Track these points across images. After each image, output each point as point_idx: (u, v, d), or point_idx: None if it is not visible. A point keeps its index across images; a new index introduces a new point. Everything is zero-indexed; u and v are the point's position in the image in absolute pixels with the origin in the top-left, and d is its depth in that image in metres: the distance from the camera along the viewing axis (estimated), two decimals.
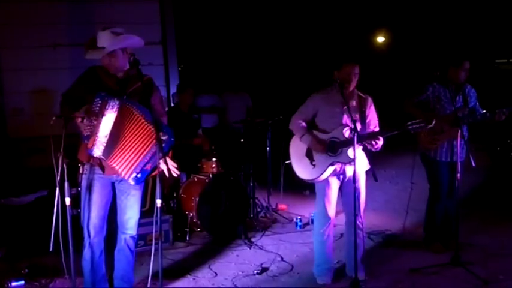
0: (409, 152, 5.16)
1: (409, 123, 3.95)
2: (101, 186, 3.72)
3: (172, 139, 3.53)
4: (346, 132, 4.10)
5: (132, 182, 3.56)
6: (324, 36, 14.62)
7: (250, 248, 5.23)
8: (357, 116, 4.14)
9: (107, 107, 3.52)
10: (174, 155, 3.79)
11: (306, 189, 6.83)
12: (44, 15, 6.74)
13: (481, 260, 4.71)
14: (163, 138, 3.49)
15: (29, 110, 6.72)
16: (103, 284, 3.91)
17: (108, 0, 6.98)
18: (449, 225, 4.94)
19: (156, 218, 3.39)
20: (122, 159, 3.53)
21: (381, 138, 4.06)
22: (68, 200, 3.50)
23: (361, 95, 4.24)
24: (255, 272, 4.58)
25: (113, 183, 3.79)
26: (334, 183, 4.23)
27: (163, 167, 3.46)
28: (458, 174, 4.52)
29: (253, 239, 5.45)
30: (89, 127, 3.54)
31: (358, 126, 4.09)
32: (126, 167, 3.53)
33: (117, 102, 3.54)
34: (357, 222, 4.10)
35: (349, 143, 4.06)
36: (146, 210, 4.79)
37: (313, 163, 4.20)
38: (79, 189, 3.80)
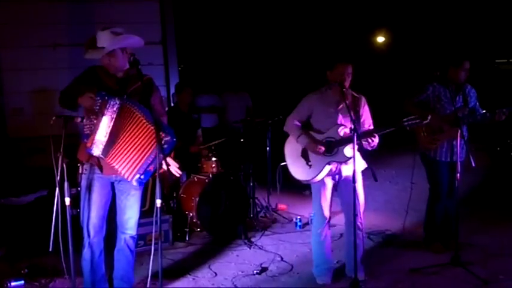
0: (409, 152, 5.16)
1: (404, 119, 3.96)
2: (101, 186, 3.72)
3: (174, 139, 3.54)
4: (342, 132, 4.10)
5: (135, 184, 3.56)
6: (324, 36, 14.61)
7: (250, 248, 5.23)
8: (352, 115, 4.13)
9: (107, 106, 3.52)
10: (175, 155, 3.79)
11: (306, 189, 6.82)
12: (44, 15, 6.74)
13: (481, 260, 4.71)
14: (166, 139, 3.50)
15: (29, 110, 6.72)
16: (103, 284, 3.91)
17: (108, 0, 6.98)
18: (449, 225, 4.94)
19: (156, 218, 3.40)
20: (123, 160, 3.53)
21: (377, 136, 4.06)
22: (67, 200, 3.51)
23: (355, 94, 4.23)
24: (255, 272, 4.58)
25: (112, 183, 3.79)
26: (330, 183, 4.23)
27: (165, 167, 3.46)
28: (458, 174, 4.52)
29: (253, 239, 5.45)
30: (88, 126, 3.54)
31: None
32: (129, 168, 3.52)
33: (117, 102, 3.54)
34: (357, 222, 4.09)
35: (345, 142, 4.06)
36: (146, 210, 4.79)
37: (309, 163, 4.19)
38: (79, 189, 3.80)
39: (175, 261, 4.92)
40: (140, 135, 3.52)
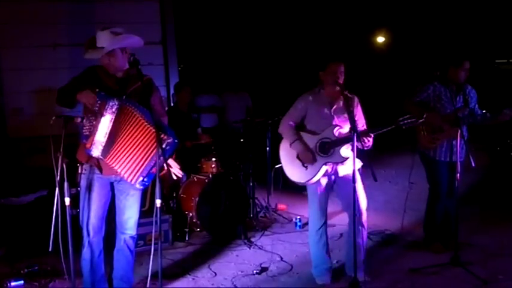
0: (408, 152, 5.16)
1: (400, 118, 3.95)
2: (100, 186, 3.72)
3: (176, 141, 3.54)
4: (337, 132, 4.10)
5: (139, 186, 3.56)
6: (324, 36, 14.60)
7: (249, 248, 5.23)
8: (345, 116, 4.12)
9: (106, 107, 3.52)
10: (176, 156, 3.79)
11: (305, 190, 6.81)
12: (44, 15, 6.74)
13: (480, 260, 4.71)
14: (168, 140, 3.50)
15: (29, 110, 6.72)
16: (102, 284, 3.91)
17: (108, 0, 6.98)
18: (448, 225, 4.94)
19: (156, 218, 3.40)
20: (124, 162, 3.52)
21: (372, 136, 4.05)
22: (67, 200, 3.51)
23: (348, 94, 4.21)
24: (255, 272, 4.58)
25: (111, 183, 3.79)
26: (325, 183, 4.23)
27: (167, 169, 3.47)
28: (458, 174, 4.52)
29: (252, 239, 5.45)
30: (88, 127, 3.54)
31: (348, 126, 4.10)
32: (132, 171, 3.52)
33: (116, 103, 3.53)
34: (361, 221, 4.08)
35: (340, 142, 4.06)
36: (146, 210, 4.80)
37: (305, 165, 4.18)
38: (78, 189, 3.80)
39: (175, 261, 4.92)
40: (141, 136, 3.51)
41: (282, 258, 4.92)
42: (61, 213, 3.49)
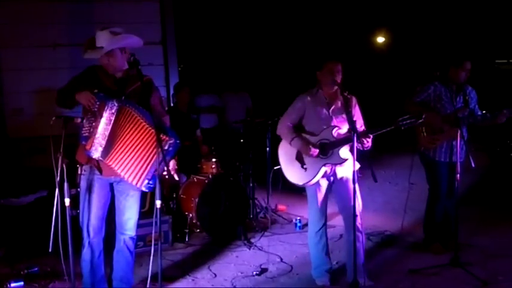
0: (408, 152, 5.16)
1: (399, 119, 3.94)
2: (100, 187, 3.72)
3: (178, 141, 3.53)
4: (336, 133, 4.09)
5: (145, 190, 3.56)
6: (324, 37, 14.60)
7: (249, 249, 5.23)
8: (344, 116, 4.11)
9: (105, 108, 3.51)
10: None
11: (305, 190, 6.81)
12: (44, 15, 6.74)
13: (480, 260, 4.71)
14: (170, 142, 3.49)
15: (29, 110, 6.72)
16: (102, 285, 3.91)
17: (108, 0, 6.98)
18: (448, 226, 4.94)
19: (156, 219, 3.40)
20: (128, 165, 3.51)
21: (371, 137, 4.04)
22: (67, 201, 3.50)
23: (346, 95, 4.19)
24: (254, 273, 4.57)
25: (111, 184, 3.78)
26: (324, 185, 4.21)
27: (171, 171, 3.48)
28: (458, 175, 4.52)
29: (252, 240, 5.45)
30: (87, 128, 3.54)
31: (346, 126, 4.09)
32: (136, 174, 3.51)
33: (116, 104, 3.53)
34: (356, 224, 4.06)
35: (340, 143, 4.05)
36: (146, 211, 4.80)
37: (304, 166, 4.16)
38: (78, 190, 3.80)
39: (175, 262, 4.92)
40: (141, 138, 3.50)
41: (281, 259, 4.92)
42: (61, 214, 3.49)
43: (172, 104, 6.99)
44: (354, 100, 4.24)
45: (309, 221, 4.41)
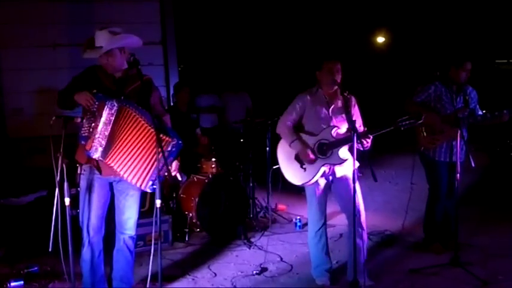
0: (408, 152, 5.16)
1: (399, 119, 3.93)
2: (99, 187, 3.72)
3: (180, 142, 3.53)
4: (335, 133, 4.09)
5: (149, 191, 3.56)
6: (324, 37, 14.61)
7: (249, 249, 5.23)
8: (343, 116, 4.11)
9: (104, 108, 3.51)
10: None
11: (305, 190, 6.81)
12: (44, 15, 6.75)
13: (480, 260, 4.71)
14: (173, 142, 3.49)
15: (29, 110, 6.73)
16: (102, 285, 3.91)
17: (108, 0, 6.99)
18: (448, 226, 4.94)
19: (156, 218, 3.40)
20: (131, 167, 3.51)
21: (371, 137, 4.04)
22: (67, 201, 3.51)
23: (346, 94, 4.18)
24: (254, 272, 4.58)
25: (111, 184, 3.78)
26: (323, 184, 4.21)
27: (173, 172, 3.49)
28: (458, 175, 4.52)
29: (252, 239, 5.45)
30: (86, 128, 3.54)
31: (346, 126, 4.09)
32: (140, 176, 3.52)
33: (115, 104, 3.53)
34: (360, 222, 4.06)
35: (339, 143, 4.04)
36: (146, 211, 4.80)
37: (304, 166, 4.16)
38: (78, 189, 3.80)
39: (175, 262, 4.92)
40: (142, 139, 3.50)
41: (281, 259, 4.92)
42: (61, 213, 3.49)
43: (172, 104, 7.00)
44: (353, 100, 4.24)
45: (308, 221, 4.40)
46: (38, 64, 6.71)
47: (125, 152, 3.53)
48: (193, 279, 4.50)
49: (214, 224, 5.60)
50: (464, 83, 4.83)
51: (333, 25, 14.92)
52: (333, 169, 4.17)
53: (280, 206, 6.60)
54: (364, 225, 4.16)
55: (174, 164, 3.70)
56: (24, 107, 6.74)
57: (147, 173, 3.51)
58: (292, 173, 4.23)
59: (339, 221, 5.66)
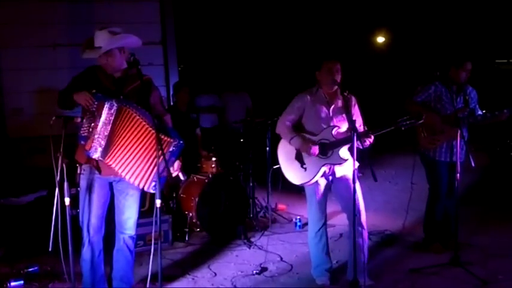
0: (408, 152, 5.16)
1: (399, 119, 3.94)
2: (99, 187, 3.72)
3: (182, 141, 3.53)
4: (336, 133, 4.08)
5: (152, 191, 3.55)
6: (324, 37, 14.61)
7: (249, 248, 5.23)
8: (344, 116, 4.11)
9: (104, 108, 3.51)
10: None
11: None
12: (44, 15, 6.75)
13: (480, 260, 4.71)
14: (174, 142, 3.49)
15: (29, 110, 6.72)
16: (102, 284, 3.91)
17: (108, 0, 6.99)
18: (448, 226, 4.94)
19: (156, 218, 3.40)
20: (132, 168, 3.51)
21: (372, 137, 4.04)
22: (67, 200, 3.51)
23: (346, 94, 4.17)
24: (254, 272, 4.58)
25: (110, 183, 3.78)
26: (323, 184, 4.21)
27: (174, 172, 3.49)
28: (458, 175, 4.52)
29: (252, 239, 5.45)
30: (85, 128, 3.53)
31: (346, 126, 4.08)
32: (142, 177, 3.51)
33: (115, 104, 3.52)
34: (361, 221, 4.06)
35: (339, 143, 4.04)
36: (145, 210, 4.80)
37: (304, 166, 4.16)
38: (78, 189, 3.80)
39: (175, 262, 4.92)
40: (143, 139, 3.49)
41: (281, 259, 4.92)
42: (61, 213, 3.49)
43: (172, 104, 7.00)
44: (354, 99, 4.24)
45: (308, 221, 4.40)
46: (38, 64, 6.71)
47: (124, 152, 3.53)
48: (193, 279, 4.50)
49: (214, 224, 5.60)
50: (465, 83, 4.83)
51: (333, 25, 14.92)
52: (333, 169, 4.17)
53: (280, 206, 6.60)
54: (364, 224, 4.17)
55: (176, 164, 3.70)
56: (24, 107, 6.74)
57: (149, 174, 3.50)
58: (293, 173, 4.23)
59: (339, 221, 5.66)
